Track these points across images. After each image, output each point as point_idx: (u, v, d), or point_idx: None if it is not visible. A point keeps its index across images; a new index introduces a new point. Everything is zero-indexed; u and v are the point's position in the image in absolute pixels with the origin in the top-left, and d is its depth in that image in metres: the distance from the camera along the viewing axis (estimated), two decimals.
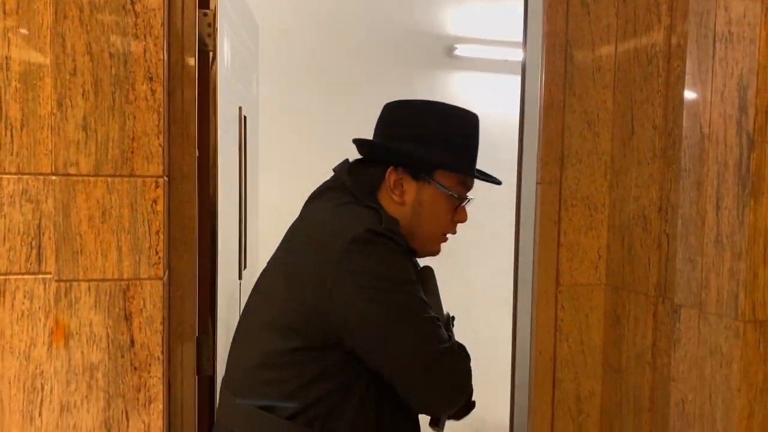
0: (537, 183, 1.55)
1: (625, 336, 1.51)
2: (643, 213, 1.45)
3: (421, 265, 1.27)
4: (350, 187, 1.14)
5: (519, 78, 1.67)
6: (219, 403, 1.18)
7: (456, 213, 1.20)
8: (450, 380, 1.11)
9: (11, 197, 1.19)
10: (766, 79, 1.13)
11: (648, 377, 1.43)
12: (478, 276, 3.61)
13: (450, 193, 1.17)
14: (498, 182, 1.25)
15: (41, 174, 1.20)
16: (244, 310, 1.21)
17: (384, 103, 1.23)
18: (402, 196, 1.16)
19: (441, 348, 1.08)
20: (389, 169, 1.15)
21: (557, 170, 1.53)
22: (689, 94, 1.30)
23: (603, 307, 1.57)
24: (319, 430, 1.06)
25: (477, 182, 1.25)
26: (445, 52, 3.68)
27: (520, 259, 1.67)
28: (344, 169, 1.19)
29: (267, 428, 1.06)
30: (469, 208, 1.23)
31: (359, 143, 1.21)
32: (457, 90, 3.68)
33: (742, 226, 1.15)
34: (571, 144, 1.53)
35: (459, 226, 1.23)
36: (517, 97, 1.68)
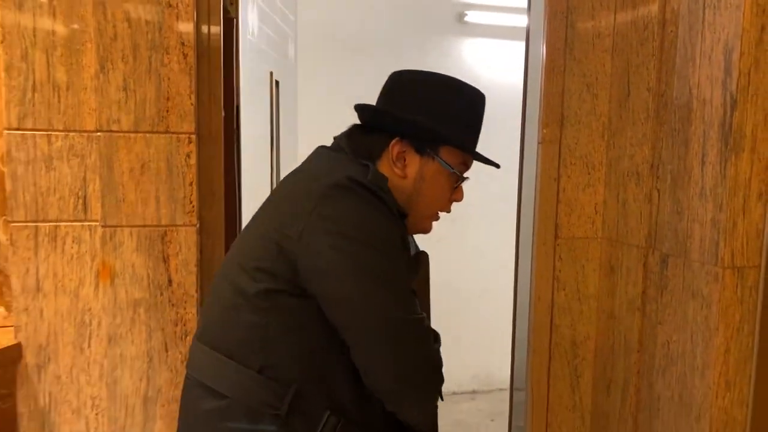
0: (538, 143, 1.63)
1: (618, 285, 1.61)
2: (636, 170, 1.53)
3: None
4: (347, 150, 1.10)
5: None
6: (188, 357, 1.11)
7: (453, 191, 1.16)
8: (414, 356, 1.00)
9: (60, 152, 1.32)
10: (749, 42, 1.21)
11: (638, 322, 1.53)
12: (485, 237, 3.73)
13: (453, 170, 1.12)
14: (497, 166, 1.19)
15: (86, 131, 1.33)
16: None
17: (395, 69, 1.24)
18: (404, 170, 1.10)
19: (409, 317, 0.99)
20: (394, 140, 1.09)
21: (557, 130, 1.62)
22: (680, 58, 1.38)
23: (598, 259, 1.67)
24: (296, 391, 0.99)
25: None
26: (456, 19, 3.73)
27: (521, 214, 1.77)
28: (344, 134, 1.15)
29: (236, 380, 1.00)
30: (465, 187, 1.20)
31: (361, 109, 1.15)
32: (467, 56, 3.74)
33: (724, 179, 1.25)
34: (570, 105, 1.61)
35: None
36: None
